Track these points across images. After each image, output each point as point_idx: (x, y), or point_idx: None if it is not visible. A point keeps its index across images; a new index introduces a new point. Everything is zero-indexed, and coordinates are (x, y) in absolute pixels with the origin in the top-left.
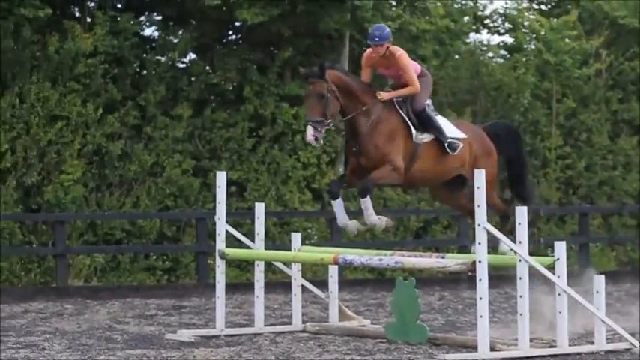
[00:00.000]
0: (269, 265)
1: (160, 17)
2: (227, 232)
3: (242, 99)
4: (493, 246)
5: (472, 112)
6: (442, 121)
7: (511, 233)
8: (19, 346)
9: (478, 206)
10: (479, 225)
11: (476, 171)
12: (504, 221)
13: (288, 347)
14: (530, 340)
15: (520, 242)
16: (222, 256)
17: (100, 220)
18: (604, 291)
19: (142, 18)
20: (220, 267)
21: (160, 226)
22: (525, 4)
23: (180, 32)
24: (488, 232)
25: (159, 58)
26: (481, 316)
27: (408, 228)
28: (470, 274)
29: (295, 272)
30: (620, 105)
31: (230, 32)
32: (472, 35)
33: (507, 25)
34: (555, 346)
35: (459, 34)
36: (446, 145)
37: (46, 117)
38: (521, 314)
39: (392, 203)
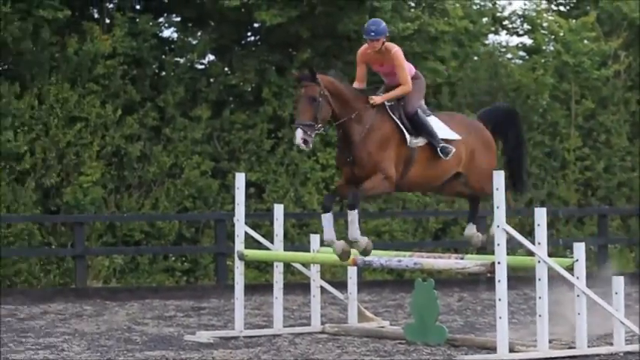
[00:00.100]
0: (288, 267)
1: (178, 19)
2: (246, 233)
3: (261, 100)
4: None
5: None
6: (435, 123)
7: (530, 235)
8: (38, 347)
9: (497, 207)
10: (498, 226)
11: (495, 173)
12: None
13: (307, 348)
14: (550, 342)
15: (539, 243)
16: (241, 257)
17: (118, 221)
18: (623, 292)
19: (161, 19)
20: (239, 268)
21: (179, 227)
22: (544, 6)
23: (199, 34)
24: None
25: (178, 59)
26: (500, 318)
27: (427, 229)
28: (489, 275)
29: (314, 273)
30: (639, 106)
31: (249, 33)
32: (491, 36)
33: (526, 26)
34: (574, 348)
35: (478, 35)
36: (438, 150)
37: (65, 118)
38: (540, 315)
39: (411, 204)
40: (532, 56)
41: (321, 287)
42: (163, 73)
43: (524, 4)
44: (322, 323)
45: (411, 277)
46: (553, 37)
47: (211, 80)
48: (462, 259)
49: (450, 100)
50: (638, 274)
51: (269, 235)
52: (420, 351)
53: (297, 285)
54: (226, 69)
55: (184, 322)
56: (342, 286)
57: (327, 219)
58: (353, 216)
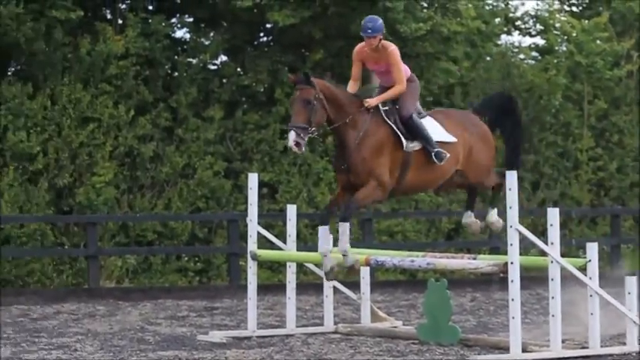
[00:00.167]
0: (301, 267)
1: (191, 19)
2: (259, 233)
3: (273, 101)
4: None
5: None
6: (431, 126)
7: (542, 235)
8: (51, 347)
9: (510, 208)
10: (510, 226)
11: (508, 173)
12: (499, 189)
13: (319, 349)
14: (562, 342)
15: (552, 243)
16: (254, 257)
17: (131, 221)
18: (636, 292)
19: (174, 20)
20: (252, 268)
21: (192, 227)
22: (557, 6)
23: (212, 34)
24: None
25: (190, 60)
26: (513, 318)
27: (439, 229)
28: (501, 275)
29: None
30: None
31: (261, 34)
32: (503, 37)
33: (539, 26)
34: (587, 348)
35: (491, 35)
36: (432, 155)
37: (78, 119)
38: (553, 315)
39: (423, 205)
40: (544, 56)
41: (334, 287)
42: (176, 74)
43: (537, 5)
44: (335, 323)
45: (423, 277)
46: (565, 37)
47: (224, 81)
48: (474, 259)
49: (463, 100)
50: None
51: (282, 236)
52: (432, 351)
53: (309, 285)
54: (239, 69)
55: (197, 322)
56: (354, 286)
57: (322, 232)
58: (344, 227)
